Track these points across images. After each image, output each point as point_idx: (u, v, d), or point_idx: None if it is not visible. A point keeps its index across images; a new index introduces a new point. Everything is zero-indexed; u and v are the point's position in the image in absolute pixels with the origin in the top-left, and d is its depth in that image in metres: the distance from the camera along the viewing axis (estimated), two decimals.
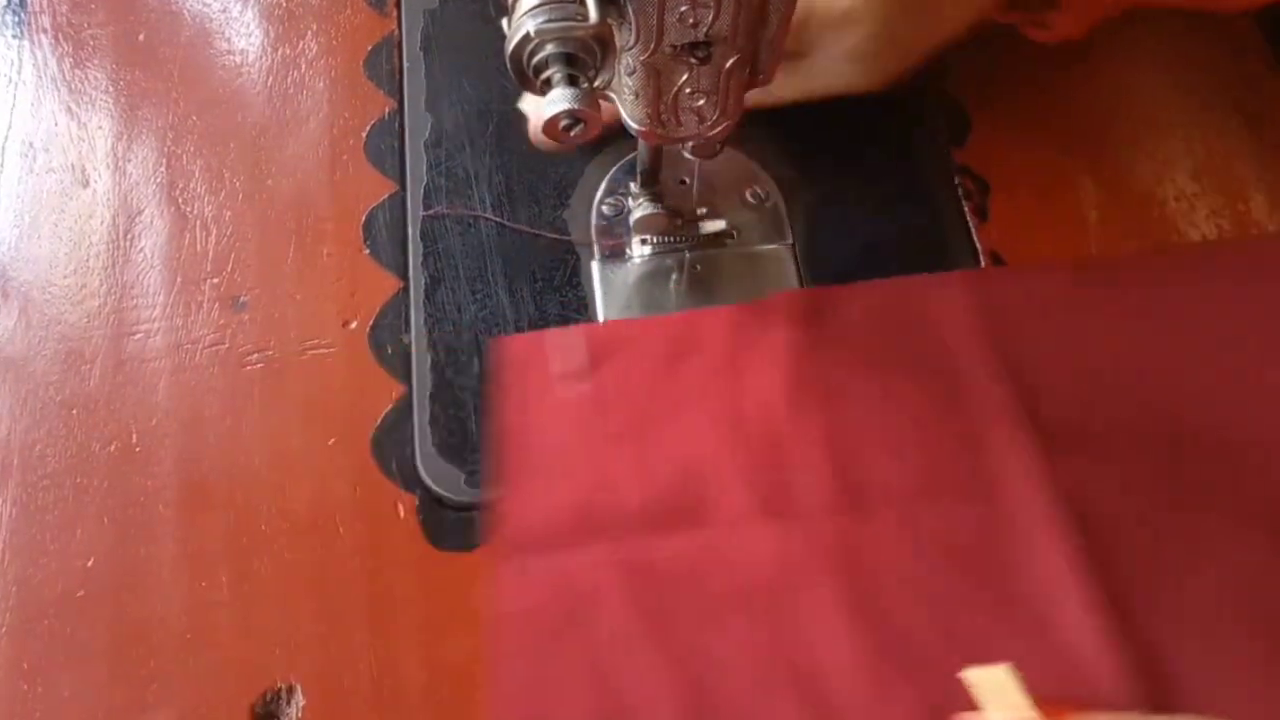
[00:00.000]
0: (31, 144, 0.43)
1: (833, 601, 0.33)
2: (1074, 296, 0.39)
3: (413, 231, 0.41)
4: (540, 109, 0.27)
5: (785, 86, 0.38)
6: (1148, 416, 0.36)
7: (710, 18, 0.27)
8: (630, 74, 0.30)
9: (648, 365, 0.37)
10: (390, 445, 0.37)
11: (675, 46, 0.28)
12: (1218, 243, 0.41)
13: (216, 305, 0.40)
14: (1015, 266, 0.40)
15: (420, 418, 0.37)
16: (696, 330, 0.38)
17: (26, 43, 0.45)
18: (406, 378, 0.38)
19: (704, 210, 0.40)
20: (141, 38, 0.45)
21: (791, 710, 0.31)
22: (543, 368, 0.37)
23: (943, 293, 0.38)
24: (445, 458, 0.37)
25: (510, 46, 0.26)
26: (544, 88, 0.27)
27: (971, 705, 0.30)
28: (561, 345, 0.37)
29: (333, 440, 0.37)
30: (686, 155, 0.36)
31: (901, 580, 0.33)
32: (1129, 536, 0.34)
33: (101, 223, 0.41)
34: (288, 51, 0.45)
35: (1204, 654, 0.32)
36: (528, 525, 0.34)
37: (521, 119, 0.42)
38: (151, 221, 0.41)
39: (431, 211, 0.41)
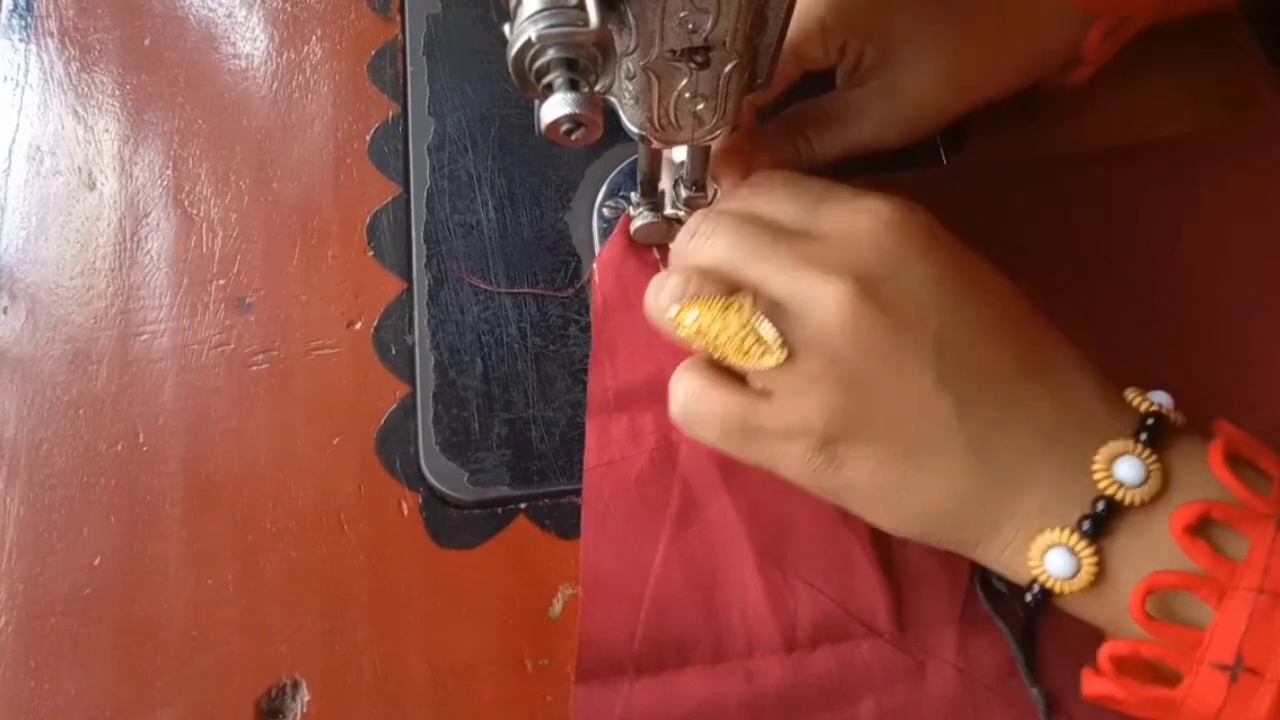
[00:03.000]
0: (38, 147, 0.43)
1: None
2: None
3: (416, 234, 0.41)
4: (541, 114, 0.28)
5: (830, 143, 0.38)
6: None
7: (709, 23, 0.28)
8: (630, 78, 0.30)
9: None
10: (394, 444, 0.37)
11: (674, 51, 0.29)
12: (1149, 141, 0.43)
13: (222, 306, 0.40)
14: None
15: (424, 417, 0.38)
16: None
17: (33, 46, 0.46)
18: (410, 378, 0.39)
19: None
20: (147, 42, 0.46)
21: (858, 549, 0.34)
22: (642, 247, 0.40)
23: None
24: (448, 456, 0.37)
25: (512, 52, 0.27)
26: (545, 92, 0.27)
27: None
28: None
29: (337, 439, 0.38)
30: (681, 207, 0.38)
31: None
32: None
33: (108, 225, 0.42)
34: (292, 56, 0.45)
35: None
36: (611, 388, 0.37)
37: (523, 123, 0.43)
38: (158, 224, 0.42)
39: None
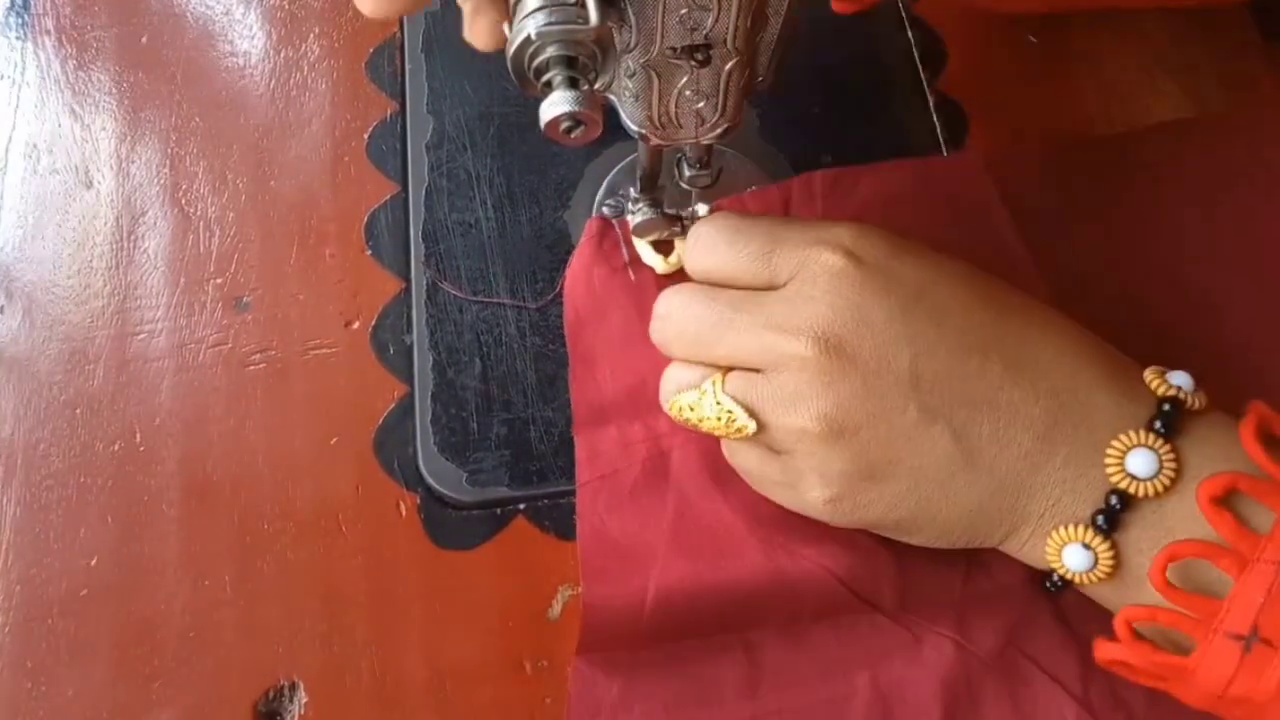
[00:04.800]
0: (35, 145, 0.43)
1: None
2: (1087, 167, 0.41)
3: (414, 232, 0.41)
4: (541, 112, 0.27)
5: None
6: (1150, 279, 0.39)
7: (709, 20, 0.27)
8: (630, 76, 0.30)
9: None
10: (392, 445, 0.37)
11: (675, 49, 0.28)
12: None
13: (219, 305, 0.40)
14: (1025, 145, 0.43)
15: (422, 417, 0.38)
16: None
17: (30, 44, 0.45)
18: (408, 378, 0.38)
19: (705, 214, 0.41)
20: (144, 40, 0.45)
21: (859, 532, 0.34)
22: (610, 255, 0.39)
23: (957, 168, 0.40)
24: (447, 457, 0.37)
25: (511, 49, 0.26)
26: (545, 90, 0.27)
27: None
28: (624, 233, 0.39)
29: (335, 440, 0.37)
30: (684, 185, 0.37)
31: None
32: None
33: (105, 224, 0.41)
34: (290, 54, 0.45)
35: None
36: (596, 402, 0.37)
37: (522, 121, 0.43)
38: (155, 222, 0.41)
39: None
